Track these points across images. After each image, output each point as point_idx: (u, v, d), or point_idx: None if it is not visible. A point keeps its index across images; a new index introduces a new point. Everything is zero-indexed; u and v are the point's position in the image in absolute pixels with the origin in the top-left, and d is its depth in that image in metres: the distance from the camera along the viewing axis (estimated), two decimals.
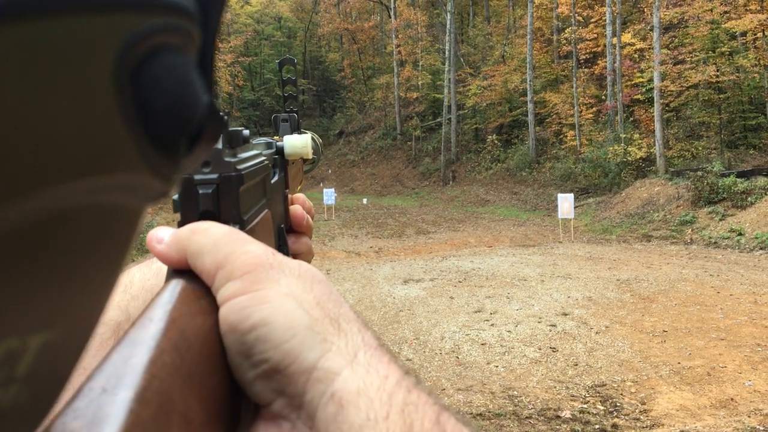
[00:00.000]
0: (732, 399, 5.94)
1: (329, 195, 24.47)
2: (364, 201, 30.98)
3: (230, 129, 0.52)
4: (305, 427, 0.39)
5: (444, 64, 39.50)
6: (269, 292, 0.41)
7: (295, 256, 0.76)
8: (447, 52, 37.71)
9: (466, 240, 18.72)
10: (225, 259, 0.42)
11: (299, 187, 0.93)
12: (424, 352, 7.67)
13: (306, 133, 0.94)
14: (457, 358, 7.41)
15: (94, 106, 0.17)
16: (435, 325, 8.83)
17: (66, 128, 0.16)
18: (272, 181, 0.68)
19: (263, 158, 0.61)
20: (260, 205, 0.59)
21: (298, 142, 0.76)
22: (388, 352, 0.43)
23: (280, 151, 0.76)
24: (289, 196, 0.80)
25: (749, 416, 5.58)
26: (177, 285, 0.41)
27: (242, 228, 0.50)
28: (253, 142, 0.69)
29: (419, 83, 43.11)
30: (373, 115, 48.57)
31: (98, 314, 0.23)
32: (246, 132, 0.57)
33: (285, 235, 0.73)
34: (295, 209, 0.79)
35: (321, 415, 0.38)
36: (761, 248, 14.61)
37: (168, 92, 0.21)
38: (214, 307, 0.41)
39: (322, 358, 0.39)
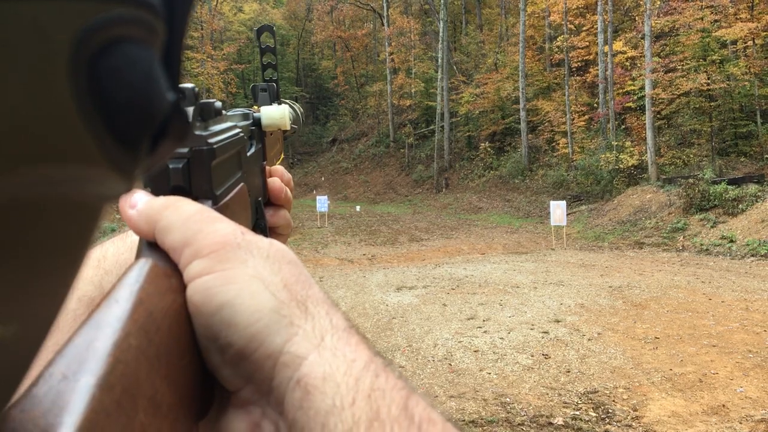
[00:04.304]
0: (724, 405, 5.95)
1: (322, 202, 24.41)
2: (357, 208, 30.96)
3: (202, 101, 0.51)
4: (275, 412, 0.38)
5: (437, 72, 39.59)
6: (235, 272, 0.40)
7: (273, 229, 0.75)
8: (440, 60, 37.82)
9: (459, 247, 18.72)
10: (192, 237, 0.41)
11: (279, 160, 0.91)
12: (417, 359, 7.66)
13: (285, 102, 0.91)
14: (450, 365, 7.40)
15: (46, 93, 0.17)
16: (428, 332, 8.82)
17: (13, 112, 0.16)
18: (248, 154, 0.66)
19: (238, 130, 0.59)
20: (235, 179, 0.58)
21: (275, 113, 0.74)
22: (357, 333, 0.42)
23: (257, 122, 0.74)
24: (268, 168, 0.78)
25: (741, 423, 5.59)
26: (146, 263, 0.39)
27: (215, 203, 0.49)
28: (230, 113, 0.67)
29: (412, 91, 43.17)
30: (366, 122, 48.61)
31: (54, 312, 0.22)
32: (218, 104, 0.55)
33: (263, 209, 0.71)
34: (274, 182, 0.77)
35: (288, 401, 0.37)
36: (752, 255, 14.67)
37: (128, 84, 0.21)
38: (184, 285, 0.40)
39: (288, 342, 0.38)
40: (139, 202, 0.44)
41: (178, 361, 0.36)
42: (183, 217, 0.42)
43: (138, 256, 0.42)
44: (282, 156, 0.95)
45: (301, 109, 1.13)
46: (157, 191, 0.47)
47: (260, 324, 0.38)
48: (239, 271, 0.40)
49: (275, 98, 0.86)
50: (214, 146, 0.49)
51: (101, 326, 0.33)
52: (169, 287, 0.39)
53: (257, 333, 0.38)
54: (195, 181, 0.48)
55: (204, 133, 0.50)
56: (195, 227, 0.42)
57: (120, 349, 0.31)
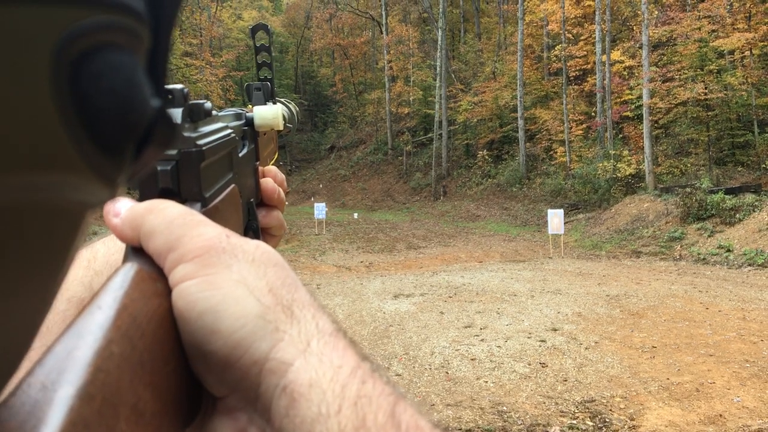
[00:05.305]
0: (721, 415, 5.94)
1: (320, 209, 24.42)
2: (355, 215, 30.95)
3: (191, 102, 0.50)
4: (262, 419, 0.38)
5: (435, 80, 39.69)
6: (219, 277, 0.39)
7: (265, 230, 0.74)
8: (438, 68, 37.90)
9: (456, 255, 18.72)
10: (177, 241, 0.40)
11: (273, 160, 0.90)
12: (414, 367, 7.64)
13: (278, 102, 0.90)
14: (447, 373, 7.38)
15: (27, 98, 0.17)
16: (425, 340, 8.81)
17: None
18: (240, 155, 0.65)
19: (229, 131, 0.58)
20: (226, 180, 0.57)
21: (268, 113, 0.73)
22: (344, 337, 0.41)
23: (249, 122, 0.72)
24: (261, 168, 0.76)
25: None
26: (131, 268, 0.39)
27: (204, 206, 0.48)
28: (222, 113, 0.66)
29: (410, 99, 43.28)
30: (364, 130, 48.67)
31: (37, 319, 0.21)
32: (208, 104, 0.54)
33: (255, 210, 0.70)
34: (266, 182, 0.75)
35: (275, 408, 0.36)
36: (749, 264, 14.68)
37: (111, 90, 0.20)
38: (170, 289, 0.39)
39: (274, 348, 0.37)
40: (122, 209, 0.43)
41: (163, 367, 0.35)
42: (166, 221, 0.41)
43: (124, 261, 0.41)
44: (276, 156, 0.94)
45: (296, 108, 1.12)
46: (145, 194, 0.47)
47: (245, 330, 0.37)
48: (223, 276, 0.39)
49: (270, 97, 0.85)
50: (203, 148, 0.49)
51: (83, 334, 0.32)
52: (155, 291, 0.38)
53: (242, 339, 0.37)
54: (184, 183, 0.48)
55: (193, 135, 0.49)
56: (179, 231, 0.41)
57: (101, 358, 0.31)
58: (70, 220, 0.21)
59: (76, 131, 0.19)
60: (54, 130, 0.18)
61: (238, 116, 0.71)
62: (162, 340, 0.36)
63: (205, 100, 0.54)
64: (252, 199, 0.70)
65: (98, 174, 0.21)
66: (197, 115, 0.51)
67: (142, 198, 0.46)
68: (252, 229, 0.68)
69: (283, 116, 0.77)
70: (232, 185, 0.59)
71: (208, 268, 0.39)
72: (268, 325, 0.38)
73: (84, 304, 0.35)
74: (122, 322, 0.34)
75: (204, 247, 0.40)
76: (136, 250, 0.42)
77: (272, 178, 0.78)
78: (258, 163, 0.75)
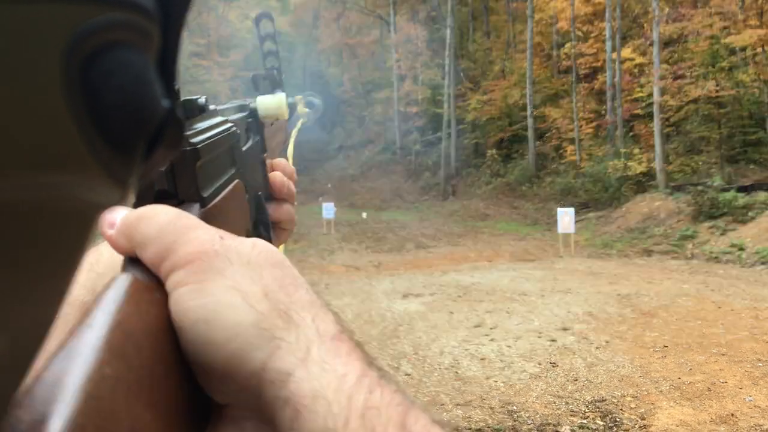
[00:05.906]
0: (732, 414, 5.89)
1: (328, 209, 24.39)
2: (364, 215, 30.93)
3: (182, 99, 0.48)
4: (268, 427, 0.36)
5: (444, 79, 39.62)
6: (211, 284, 0.37)
7: (276, 225, 0.72)
8: (447, 67, 37.83)
9: (466, 254, 18.68)
10: (168, 249, 0.39)
11: (289, 152, 0.88)
12: (423, 367, 7.62)
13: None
14: (457, 373, 7.36)
15: (37, 97, 0.17)
16: (434, 339, 8.78)
17: (2, 116, 0.16)
18: (244, 148, 0.62)
19: (229, 125, 0.56)
20: (228, 176, 0.55)
21: (271, 103, 0.71)
22: (349, 340, 0.39)
23: (254, 113, 0.70)
24: (269, 161, 0.74)
25: None
26: (124, 279, 0.37)
27: (203, 205, 0.47)
28: (223, 106, 0.64)
29: (419, 98, 43.22)
30: (372, 129, 48.68)
31: (47, 323, 0.21)
32: (202, 100, 0.52)
33: (264, 203, 0.68)
34: (275, 176, 0.73)
35: (279, 421, 0.35)
36: (762, 263, 14.56)
37: (122, 89, 0.20)
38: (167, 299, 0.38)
39: (271, 357, 0.36)
40: (117, 219, 0.42)
41: (164, 382, 0.34)
42: (158, 228, 0.40)
43: (122, 270, 0.40)
44: (292, 149, 0.92)
45: (318, 100, 1.10)
46: (142, 197, 0.45)
47: (239, 340, 0.36)
48: (216, 282, 0.37)
49: (278, 86, 0.82)
50: (198, 146, 0.47)
51: (72, 357, 0.30)
52: (152, 301, 0.36)
53: (237, 350, 0.36)
54: (180, 184, 0.46)
55: (186, 133, 0.47)
56: (171, 237, 0.39)
57: (92, 382, 0.29)
58: (81, 221, 0.21)
59: (86, 129, 0.19)
60: (65, 129, 0.18)
61: (241, 108, 0.69)
62: (161, 354, 0.35)
63: (198, 96, 0.52)
64: (260, 193, 0.68)
65: (109, 173, 0.21)
66: (190, 112, 0.49)
67: (138, 202, 0.45)
68: (262, 223, 0.66)
69: (293, 105, 0.75)
70: (236, 180, 0.57)
71: (199, 274, 0.38)
72: (264, 333, 0.36)
73: (81, 313, 0.34)
74: (116, 341, 0.32)
75: (196, 252, 0.39)
76: (134, 260, 0.40)
77: (281, 170, 0.76)
78: (266, 155, 0.73)
